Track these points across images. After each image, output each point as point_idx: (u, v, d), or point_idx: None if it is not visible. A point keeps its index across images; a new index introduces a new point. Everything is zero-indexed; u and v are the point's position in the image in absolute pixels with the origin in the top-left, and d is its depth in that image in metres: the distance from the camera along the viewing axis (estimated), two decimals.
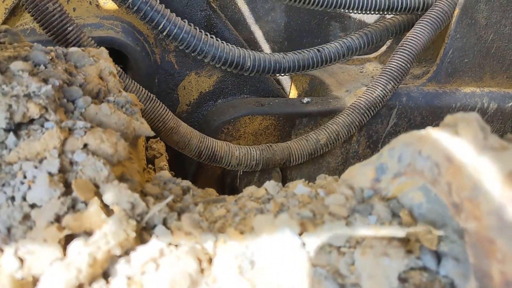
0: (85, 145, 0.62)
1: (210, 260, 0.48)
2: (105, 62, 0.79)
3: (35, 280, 0.44)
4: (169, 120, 1.16)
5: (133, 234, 0.47)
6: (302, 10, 1.74)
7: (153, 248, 0.46)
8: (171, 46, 1.34)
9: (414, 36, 1.44)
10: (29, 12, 1.02)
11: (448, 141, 0.48)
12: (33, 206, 0.53)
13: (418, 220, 0.55)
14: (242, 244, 0.49)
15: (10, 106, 0.59)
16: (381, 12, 1.53)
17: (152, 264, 0.44)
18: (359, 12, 1.50)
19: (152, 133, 0.78)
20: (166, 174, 0.79)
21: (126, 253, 0.46)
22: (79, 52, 0.78)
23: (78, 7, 1.24)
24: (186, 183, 0.75)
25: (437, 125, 1.64)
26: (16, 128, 0.61)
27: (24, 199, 0.54)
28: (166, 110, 1.16)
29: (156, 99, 1.14)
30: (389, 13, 1.56)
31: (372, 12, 1.50)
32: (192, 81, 1.40)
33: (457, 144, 0.47)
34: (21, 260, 0.45)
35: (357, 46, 1.54)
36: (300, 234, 0.51)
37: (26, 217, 0.52)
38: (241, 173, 1.36)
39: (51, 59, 0.71)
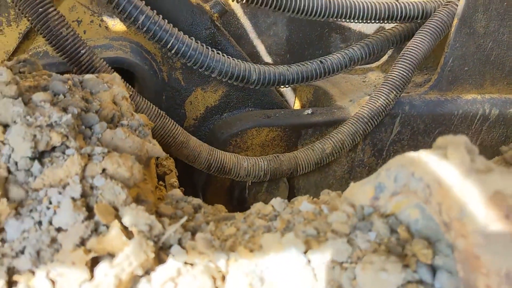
0: (104, 170, 0.67)
1: (223, 278, 0.53)
2: (118, 87, 0.85)
3: None
4: (179, 135, 1.21)
5: (152, 255, 0.52)
6: (303, 23, 1.79)
7: (171, 268, 0.51)
8: (177, 64, 1.39)
9: (415, 45, 1.49)
10: (43, 37, 1.07)
11: (437, 164, 0.52)
12: (59, 230, 0.58)
13: (415, 235, 0.59)
14: (252, 262, 0.54)
15: (34, 136, 0.65)
16: (381, 21, 1.58)
17: (171, 283, 0.49)
18: (360, 21, 1.54)
19: (164, 154, 0.83)
20: (177, 192, 0.84)
21: (147, 273, 0.52)
22: (94, 79, 0.83)
23: (88, 29, 1.30)
24: (197, 201, 0.80)
25: (440, 132, 1.68)
26: (40, 156, 0.66)
27: (50, 223, 0.59)
28: (175, 125, 1.22)
29: (166, 115, 1.19)
30: (389, 21, 1.60)
31: (373, 21, 1.55)
32: (198, 97, 1.46)
33: (445, 167, 0.51)
34: (53, 282, 0.50)
35: (359, 56, 1.58)
36: (305, 252, 0.56)
37: (53, 240, 0.57)
38: (250, 184, 1.40)
39: (69, 88, 0.77)
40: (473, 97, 1.65)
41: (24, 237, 0.57)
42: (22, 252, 0.56)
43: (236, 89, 1.49)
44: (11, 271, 0.54)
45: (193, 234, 0.63)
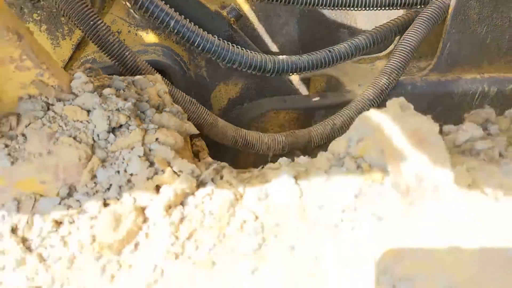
0: (157, 139, 1.02)
1: (241, 196, 0.87)
2: (160, 85, 1.20)
3: (143, 208, 0.84)
4: (209, 117, 1.56)
5: (195, 183, 0.87)
6: (313, 21, 2.12)
7: (207, 189, 0.85)
8: (202, 63, 1.75)
9: (413, 31, 1.79)
10: (95, 44, 1.44)
11: (380, 117, 0.85)
12: (131, 174, 0.94)
13: (374, 168, 0.92)
14: (260, 187, 0.88)
15: (108, 117, 1.01)
16: (383, 8, 1.88)
17: (208, 197, 0.84)
18: (364, 9, 1.85)
19: (197, 132, 1.18)
20: (209, 159, 1.19)
21: (192, 193, 0.86)
22: (142, 78, 1.19)
23: (127, 38, 1.68)
24: (224, 164, 1.15)
25: (442, 109, 1.97)
26: (112, 130, 1.02)
27: (125, 171, 0.94)
28: (205, 110, 1.56)
29: (197, 102, 1.54)
30: (391, 8, 1.90)
31: (376, 8, 1.85)
32: (221, 90, 1.81)
33: (384, 118, 0.84)
34: (134, 199, 0.85)
35: (364, 45, 1.89)
36: (296, 179, 0.89)
37: (129, 181, 0.92)
38: (270, 159, 1.74)
39: (126, 85, 1.13)
40: (472, 77, 1.93)
41: (109, 180, 0.93)
42: (109, 188, 0.92)
43: (254, 82, 1.84)
44: (104, 199, 0.90)
45: (222, 178, 0.98)
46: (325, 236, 0.81)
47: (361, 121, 0.91)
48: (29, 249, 0.83)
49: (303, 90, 2.15)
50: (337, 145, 0.99)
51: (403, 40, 1.80)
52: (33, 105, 0.98)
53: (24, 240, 0.84)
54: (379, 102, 1.80)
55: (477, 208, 0.83)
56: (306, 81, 2.18)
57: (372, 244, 0.78)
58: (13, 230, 0.85)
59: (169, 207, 0.83)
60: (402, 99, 0.88)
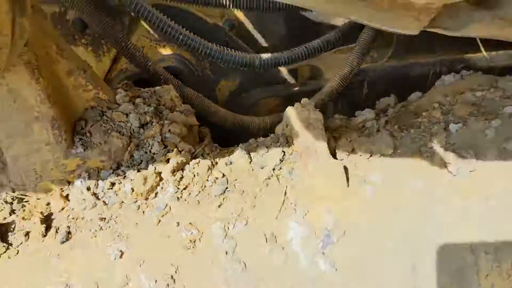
0: (169, 130, 1.74)
1: (216, 163, 1.58)
2: (173, 92, 1.91)
3: (160, 173, 1.56)
4: (211, 107, 2.26)
5: (190, 157, 1.59)
6: (296, 19, 2.74)
7: (196, 160, 1.57)
8: (206, 65, 2.44)
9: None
10: (125, 58, 2.15)
11: (291, 111, 1.53)
12: (154, 153, 1.66)
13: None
14: (227, 157, 1.59)
15: (139, 118, 1.73)
16: None
17: (196, 164, 1.55)
18: None
19: (197, 123, 1.89)
20: (208, 141, 1.91)
21: (188, 163, 1.58)
22: (160, 89, 1.90)
23: (149, 51, 2.38)
24: (214, 145, 1.86)
25: (400, 90, 2.59)
26: (142, 126, 1.74)
27: (150, 151, 1.67)
28: (209, 101, 2.24)
29: (203, 96, 2.23)
30: None
31: None
32: (223, 85, 2.50)
33: (292, 111, 1.52)
34: (155, 168, 1.58)
35: (334, 39, 2.50)
36: (249, 153, 1.60)
37: (152, 157, 1.65)
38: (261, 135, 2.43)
39: (149, 95, 1.85)
40: (426, 60, 2.52)
41: (140, 157, 1.65)
42: (140, 163, 1.65)
43: (249, 77, 2.51)
44: (138, 169, 1.63)
45: (208, 154, 1.69)
46: (262, 184, 1.52)
47: (285, 114, 1.60)
48: (97, 198, 1.57)
49: (291, 79, 2.81)
50: (278, 128, 1.68)
51: (362, 33, 2.40)
52: (94, 113, 1.71)
53: (94, 194, 1.59)
54: (345, 85, 2.43)
55: (354, 166, 1.50)
56: (295, 71, 2.83)
57: (286, 188, 1.48)
58: (88, 188, 1.60)
59: (174, 171, 1.56)
60: (305, 99, 1.56)
